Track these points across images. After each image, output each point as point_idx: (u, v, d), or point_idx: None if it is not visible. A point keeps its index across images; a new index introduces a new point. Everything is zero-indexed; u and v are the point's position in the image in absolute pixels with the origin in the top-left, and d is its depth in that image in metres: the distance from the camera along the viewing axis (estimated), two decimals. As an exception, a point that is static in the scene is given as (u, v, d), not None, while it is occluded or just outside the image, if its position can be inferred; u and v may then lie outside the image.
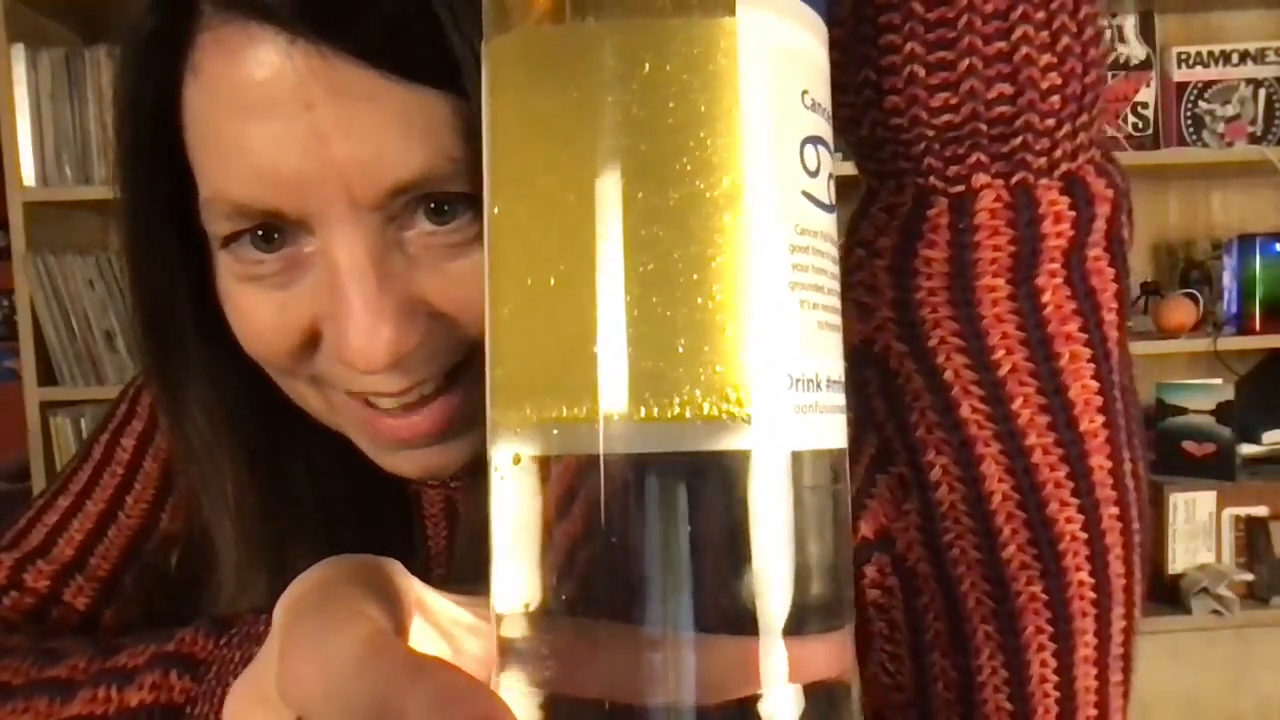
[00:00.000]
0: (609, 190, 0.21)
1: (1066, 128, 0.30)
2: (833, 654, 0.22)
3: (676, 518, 0.20)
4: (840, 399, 0.23)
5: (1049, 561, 0.33)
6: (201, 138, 0.44)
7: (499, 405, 0.22)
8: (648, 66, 0.21)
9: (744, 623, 0.21)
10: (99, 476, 0.61)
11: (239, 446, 0.53)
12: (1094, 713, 0.36)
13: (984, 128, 0.29)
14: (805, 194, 0.22)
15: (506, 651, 0.22)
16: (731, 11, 0.21)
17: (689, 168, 0.21)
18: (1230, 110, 2.09)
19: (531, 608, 0.22)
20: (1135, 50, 2.10)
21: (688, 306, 0.20)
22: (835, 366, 0.23)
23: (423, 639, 0.28)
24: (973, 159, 0.30)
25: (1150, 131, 2.09)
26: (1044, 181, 0.31)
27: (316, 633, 0.24)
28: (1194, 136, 2.09)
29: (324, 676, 0.23)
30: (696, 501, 0.20)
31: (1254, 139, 2.09)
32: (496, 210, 0.22)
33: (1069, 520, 0.33)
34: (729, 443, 0.20)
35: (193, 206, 0.46)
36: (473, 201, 0.43)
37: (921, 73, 0.29)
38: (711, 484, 0.21)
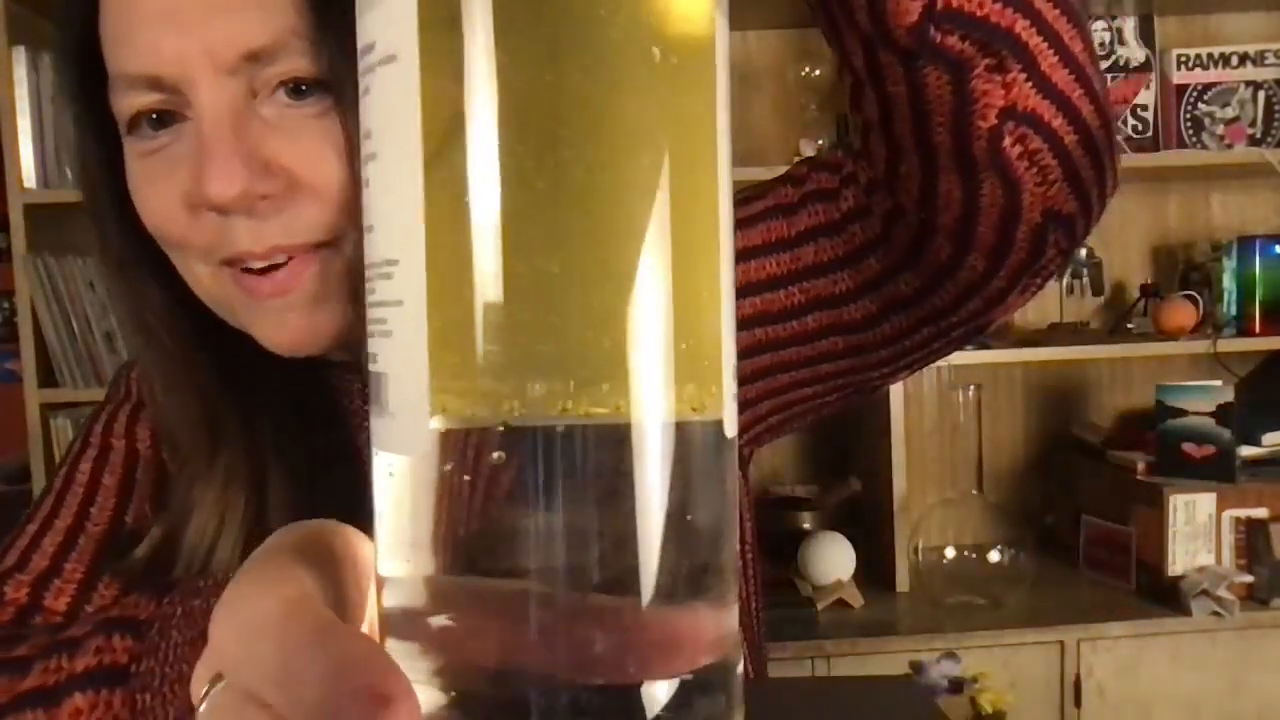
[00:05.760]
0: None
1: None
2: (713, 623, 0.23)
3: (560, 490, 0.20)
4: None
5: None
6: (107, 30, 0.55)
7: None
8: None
9: (625, 588, 0.21)
10: (62, 499, 0.66)
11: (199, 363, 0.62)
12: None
13: None
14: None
15: (391, 616, 0.23)
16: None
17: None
18: (1230, 112, 2.09)
19: (417, 573, 0.22)
20: (1135, 52, 2.10)
21: (580, 288, 0.20)
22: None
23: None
24: None
25: (1150, 133, 2.09)
26: None
27: (240, 594, 0.24)
28: (1193, 138, 2.09)
29: (239, 634, 0.23)
30: (580, 472, 0.21)
31: (1253, 141, 2.09)
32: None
33: None
34: (610, 418, 0.20)
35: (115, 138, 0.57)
36: (326, 86, 0.53)
37: None
38: (591, 456, 0.21)
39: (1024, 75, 0.50)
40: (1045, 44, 0.50)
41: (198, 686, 0.25)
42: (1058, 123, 0.51)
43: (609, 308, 0.20)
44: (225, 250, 0.55)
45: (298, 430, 0.63)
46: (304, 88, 0.53)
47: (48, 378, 1.87)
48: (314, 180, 0.53)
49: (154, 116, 0.55)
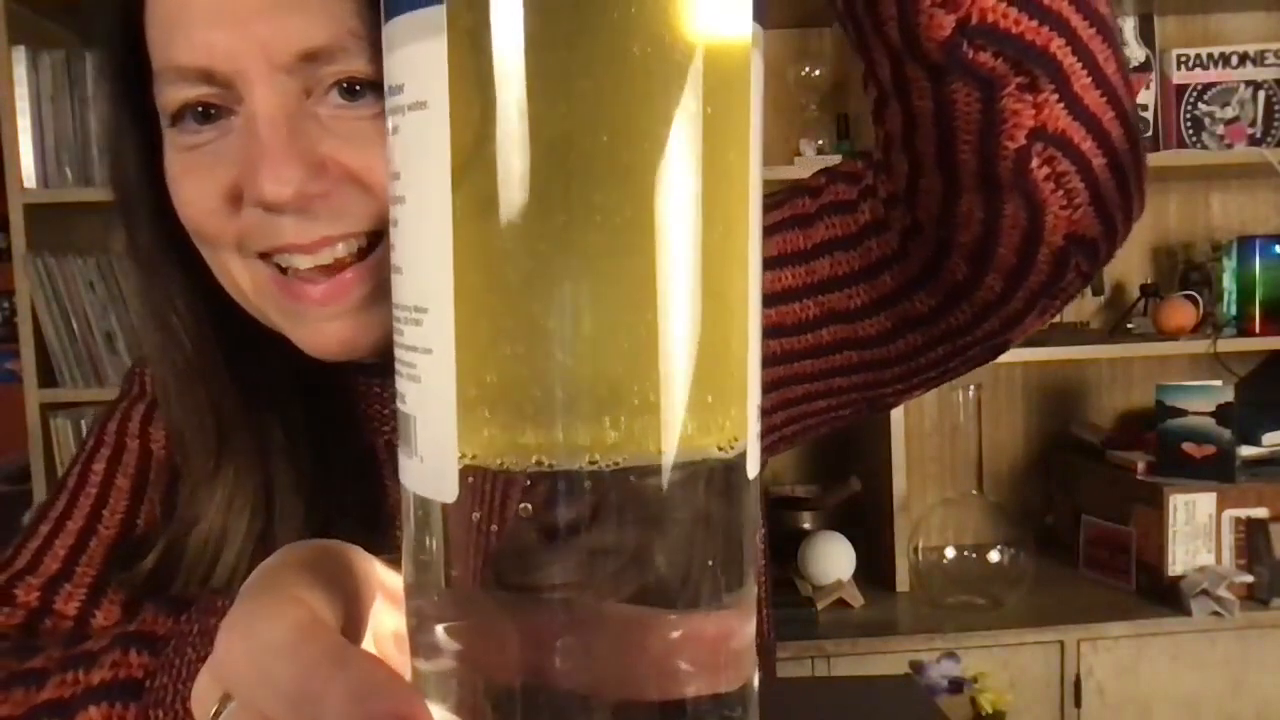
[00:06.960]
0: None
1: None
2: (734, 651, 0.23)
3: (585, 534, 0.21)
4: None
5: None
6: (156, 21, 0.54)
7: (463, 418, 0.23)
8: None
9: (651, 602, 0.22)
10: (75, 500, 0.66)
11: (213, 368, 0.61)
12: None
13: None
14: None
15: (419, 642, 0.23)
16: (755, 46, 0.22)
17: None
18: (1229, 112, 2.09)
19: (444, 606, 0.22)
20: (1135, 52, 2.10)
21: (611, 335, 0.21)
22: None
23: (388, 620, 0.29)
24: None
25: (1150, 133, 2.09)
26: None
27: (250, 615, 0.24)
28: (1193, 138, 2.09)
29: (251, 657, 0.24)
30: (606, 517, 0.21)
31: (1253, 141, 2.09)
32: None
33: None
34: (637, 464, 0.21)
35: (155, 132, 0.57)
36: (380, 88, 0.52)
37: None
38: (618, 501, 0.21)
39: (1056, 96, 0.49)
40: (1079, 64, 0.49)
41: (201, 702, 0.25)
42: (1087, 145, 0.50)
43: (639, 358, 0.20)
44: (268, 242, 0.54)
45: (309, 438, 0.62)
46: (358, 88, 0.53)
47: (48, 378, 1.87)
48: (371, 180, 0.53)
49: (200, 110, 0.54)
